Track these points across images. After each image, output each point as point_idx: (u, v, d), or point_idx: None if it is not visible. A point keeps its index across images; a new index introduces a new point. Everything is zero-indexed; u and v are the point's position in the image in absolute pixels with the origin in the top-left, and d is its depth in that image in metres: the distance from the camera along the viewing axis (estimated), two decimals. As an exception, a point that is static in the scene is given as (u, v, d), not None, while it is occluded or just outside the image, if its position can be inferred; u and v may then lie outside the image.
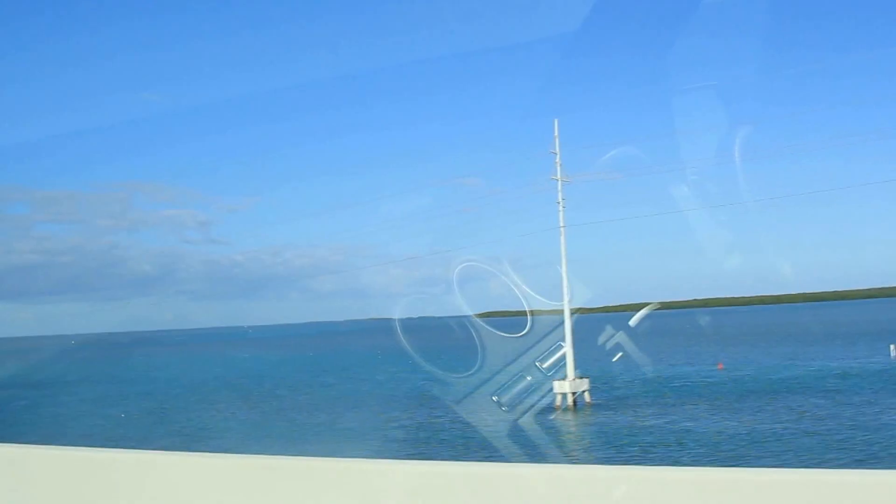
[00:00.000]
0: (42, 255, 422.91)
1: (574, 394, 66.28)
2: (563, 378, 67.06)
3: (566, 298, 67.82)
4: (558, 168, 67.99)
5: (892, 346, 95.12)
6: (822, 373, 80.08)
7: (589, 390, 67.55)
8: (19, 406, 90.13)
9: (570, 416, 63.96)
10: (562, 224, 68.00)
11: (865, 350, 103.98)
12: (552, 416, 63.78)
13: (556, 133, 68.33)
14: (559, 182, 67.99)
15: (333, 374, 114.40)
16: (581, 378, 67.36)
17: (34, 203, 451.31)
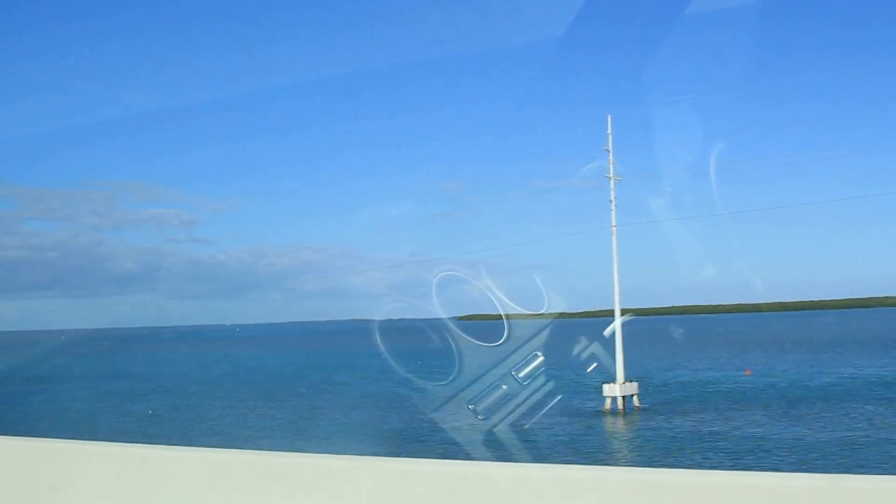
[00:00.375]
0: (28, 252, 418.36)
1: (624, 398, 65.68)
2: (612, 382, 66.59)
3: (615, 299, 67.36)
4: (611, 166, 67.39)
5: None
6: (859, 380, 79.90)
7: (638, 394, 66.96)
8: (37, 399, 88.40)
9: (621, 420, 63.33)
10: (613, 223, 67.45)
11: (883, 359, 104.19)
12: (603, 421, 63.22)
13: (609, 130, 67.71)
14: (611, 181, 67.41)
15: (346, 373, 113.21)
16: (630, 382, 66.79)
17: (21, 199, 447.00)
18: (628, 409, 65.61)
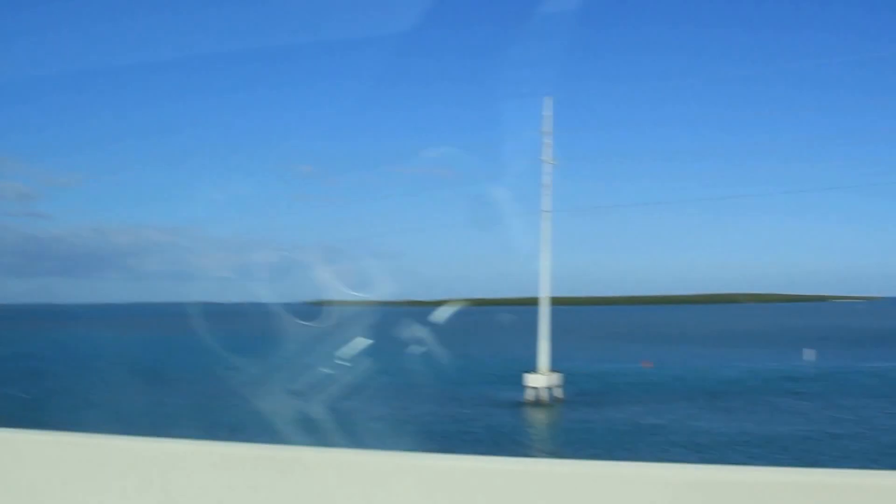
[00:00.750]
0: None
1: (549, 388, 63.31)
2: (535, 371, 64.17)
3: (543, 285, 64.81)
4: (546, 150, 64.76)
5: (804, 350, 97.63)
6: (762, 375, 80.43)
7: (561, 386, 64.67)
8: None
9: (549, 411, 60.90)
10: (545, 209, 64.84)
11: (768, 353, 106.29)
12: (526, 411, 60.65)
13: (549, 113, 65.05)
14: (547, 164, 64.80)
15: (208, 358, 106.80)
16: (553, 372, 64.49)
17: None
18: (550, 400, 63.27)
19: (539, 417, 57.46)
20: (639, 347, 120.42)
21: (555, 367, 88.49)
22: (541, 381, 62.88)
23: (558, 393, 64.05)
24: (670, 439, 47.63)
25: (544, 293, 65.28)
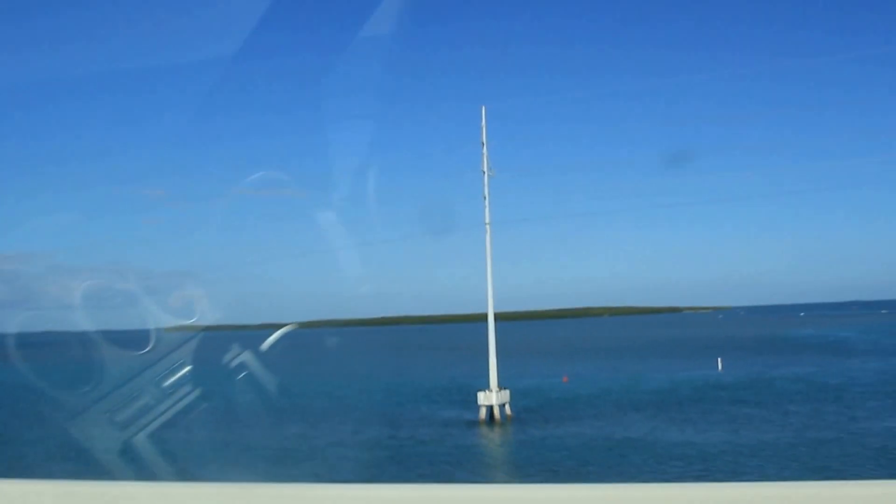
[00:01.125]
0: None
1: (501, 406, 60.78)
2: (487, 389, 61.58)
3: (489, 301, 62.34)
4: (485, 160, 62.47)
5: (719, 360, 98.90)
6: (692, 384, 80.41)
7: (510, 403, 62.20)
8: None
9: (501, 431, 58.32)
10: (487, 221, 62.47)
11: (684, 364, 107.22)
12: (483, 432, 57.97)
13: (483, 123, 62.78)
14: (485, 175, 62.43)
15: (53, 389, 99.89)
16: (502, 389, 62.02)
17: None
18: (503, 418, 60.73)
19: (506, 437, 54.86)
20: (542, 362, 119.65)
21: (471, 385, 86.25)
22: (493, 398, 60.30)
23: (507, 410, 61.62)
24: (659, 452, 45.92)
25: (490, 308, 62.84)
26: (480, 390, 61.63)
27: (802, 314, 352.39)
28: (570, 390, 79.80)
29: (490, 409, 60.26)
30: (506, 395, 61.75)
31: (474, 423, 60.21)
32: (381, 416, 65.65)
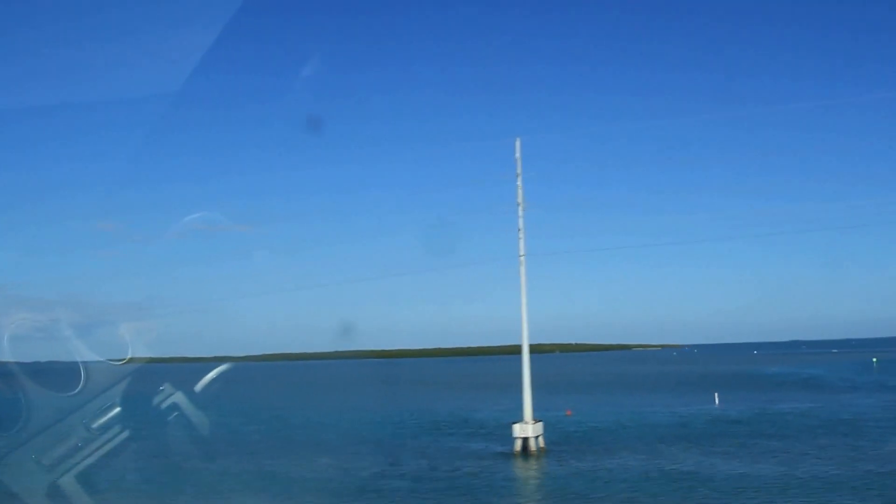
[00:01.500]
0: None
1: (537, 437, 60.24)
2: (522, 422, 61.02)
3: (524, 333, 61.97)
4: (520, 191, 62.36)
5: (716, 395, 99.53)
6: (698, 419, 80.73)
7: (543, 435, 61.68)
8: None
9: (541, 463, 57.74)
10: (522, 253, 62.22)
11: (677, 399, 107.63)
12: (526, 464, 57.33)
13: (518, 154, 62.75)
14: (520, 207, 62.29)
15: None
16: (537, 422, 61.51)
17: None
18: (536, 450, 60.11)
19: (553, 469, 54.21)
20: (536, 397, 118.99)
21: (475, 418, 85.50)
22: (528, 430, 59.77)
23: (541, 442, 61.11)
24: (726, 486, 45.72)
25: (525, 339, 62.47)
26: (515, 422, 61.07)
27: (756, 352, 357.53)
28: (581, 423, 79.60)
29: (525, 441, 59.69)
30: (539, 427, 61.24)
31: (508, 454, 59.56)
32: (410, 449, 64.76)
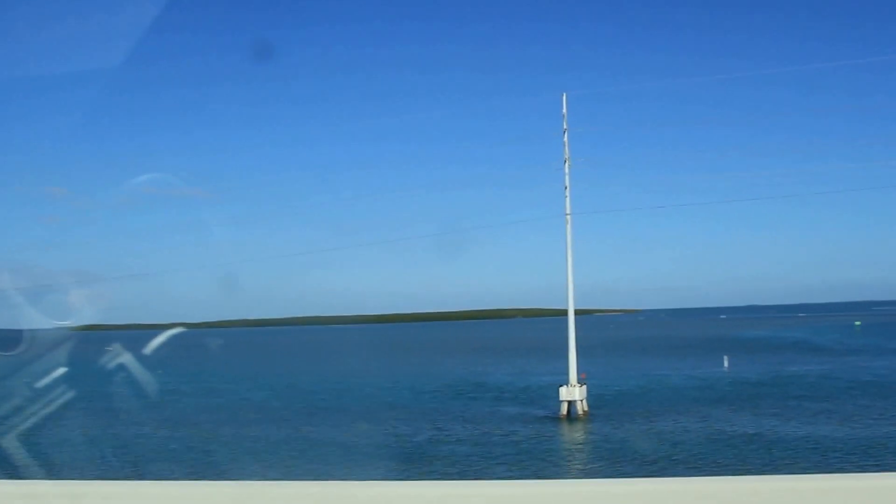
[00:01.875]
0: None
1: (582, 401, 59.37)
2: (568, 385, 60.08)
3: (569, 294, 60.89)
4: (566, 148, 60.98)
5: (725, 358, 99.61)
6: (721, 381, 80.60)
7: (586, 398, 60.81)
8: None
9: (589, 426, 56.92)
10: (568, 212, 60.97)
11: (685, 362, 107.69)
12: (577, 427, 56.51)
13: (565, 111, 61.32)
14: (566, 164, 60.95)
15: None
16: (582, 384, 60.61)
17: None
18: (573, 414, 59.17)
19: (605, 431, 53.44)
20: (528, 361, 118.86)
21: (500, 381, 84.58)
22: (575, 393, 58.88)
23: (585, 406, 60.28)
24: (798, 447, 45.28)
25: (571, 303, 61.38)
26: (561, 385, 60.14)
27: (723, 316, 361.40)
28: (606, 387, 78.93)
29: (570, 403, 58.82)
30: (584, 390, 60.37)
31: (554, 418, 58.69)
32: (446, 413, 63.60)
